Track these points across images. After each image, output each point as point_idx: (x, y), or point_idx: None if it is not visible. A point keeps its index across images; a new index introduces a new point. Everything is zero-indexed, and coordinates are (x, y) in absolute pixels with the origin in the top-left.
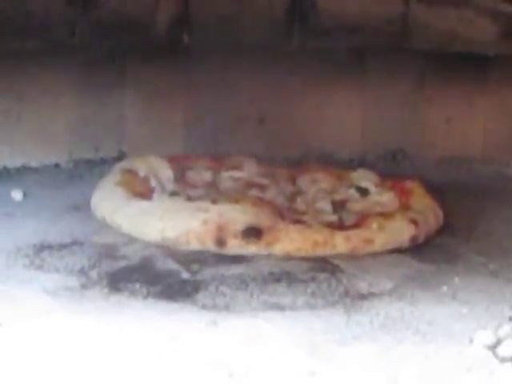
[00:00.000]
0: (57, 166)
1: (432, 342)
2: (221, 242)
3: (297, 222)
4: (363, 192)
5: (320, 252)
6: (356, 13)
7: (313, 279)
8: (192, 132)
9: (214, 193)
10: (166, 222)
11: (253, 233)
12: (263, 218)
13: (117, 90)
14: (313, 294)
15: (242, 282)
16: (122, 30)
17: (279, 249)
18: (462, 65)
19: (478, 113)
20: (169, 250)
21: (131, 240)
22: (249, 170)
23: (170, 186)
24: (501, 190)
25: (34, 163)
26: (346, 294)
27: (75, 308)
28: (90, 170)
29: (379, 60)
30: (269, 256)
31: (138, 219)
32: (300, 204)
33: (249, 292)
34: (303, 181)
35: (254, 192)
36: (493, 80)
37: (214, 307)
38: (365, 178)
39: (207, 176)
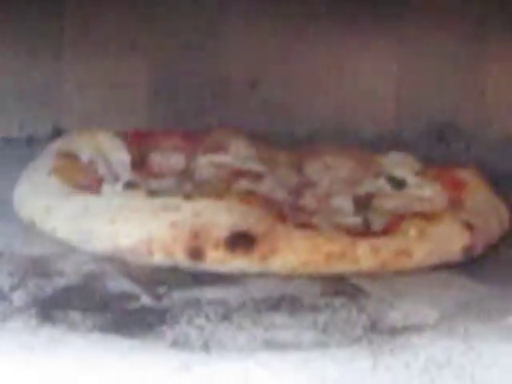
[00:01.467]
0: None
1: None
2: (197, 253)
3: (304, 225)
4: (397, 184)
5: (336, 268)
6: None
7: (326, 306)
8: (158, 99)
9: (188, 184)
10: (119, 226)
11: (241, 241)
12: (256, 221)
13: (50, 44)
14: (325, 327)
15: (227, 311)
16: None
17: (279, 264)
18: None
19: None
20: (123, 265)
21: (70, 251)
22: (236, 153)
23: (126, 175)
24: None
25: None
26: (372, 327)
27: None
28: (11, 153)
29: (423, 1)
30: (264, 274)
31: (79, 222)
32: (308, 200)
33: (235, 324)
34: (313, 168)
35: (244, 183)
36: None
37: (187, 346)
38: (400, 163)
39: (178, 161)
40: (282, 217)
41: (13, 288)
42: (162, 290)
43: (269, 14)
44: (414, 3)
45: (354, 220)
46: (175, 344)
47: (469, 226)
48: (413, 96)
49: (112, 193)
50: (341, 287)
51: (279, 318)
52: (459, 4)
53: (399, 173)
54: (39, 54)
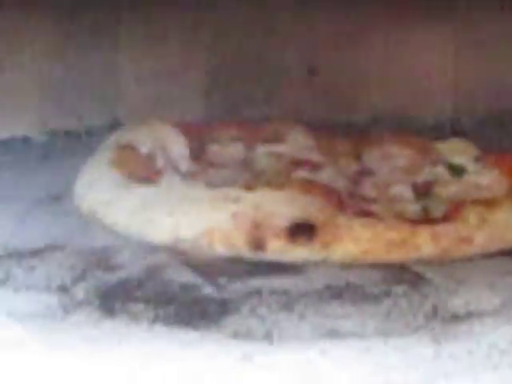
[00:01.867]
0: (26, 139)
1: None
2: (258, 244)
3: (364, 214)
4: (457, 171)
5: (397, 256)
6: None
7: (387, 294)
8: (216, 91)
9: (248, 175)
10: (179, 218)
11: (302, 231)
12: (316, 210)
13: (107, 35)
14: (387, 315)
15: (288, 301)
16: None
17: (340, 252)
18: None
19: None
20: (184, 257)
21: (131, 243)
22: (295, 143)
23: (185, 166)
24: None
25: None
26: (435, 314)
27: (54, 340)
28: (71, 145)
29: None
30: (325, 263)
31: (140, 213)
32: (368, 189)
33: (297, 314)
34: (372, 156)
35: (303, 173)
36: None
37: (249, 336)
38: (459, 151)
39: (237, 151)
40: (342, 206)
41: (74, 281)
42: (223, 280)
43: (324, 1)
44: None
45: (414, 208)
46: (237, 334)
47: None
48: (471, 82)
49: (171, 184)
50: (402, 275)
51: (341, 307)
52: None
53: (458, 160)
54: (96, 44)
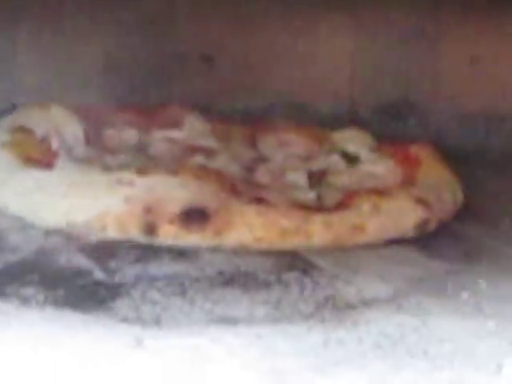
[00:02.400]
0: None
1: (445, 370)
2: (150, 228)
3: (258, 200)
4: (351, 159)
5: (290, 243)
6: None
7: (279, 281)
8: (111, 75)
9: (142, 160)
10: (72, 201)
11: (195, 216)
12: (210, 196)
13: (4, 21)
14: (278, 302)
15: (179, 286)
16: None
17: (232, 239)
18: None
19: None
20: (76, 240)
21: (23, 226)
22: (190, 128)
23: (80, 150)
24: None
25: None
26: (325, 302)
27: None
28: None
29: None
30: (217, 249)
31: (32, 197)
32: (263, 176)
33: (188, 299)
34: (267, 143)
35: (198, 159)
36: None
37: (140, 320)
38: (354, 139)
39: (132, 136)
40: (235, 192)
41: None
42: (115, 264)
43: None
44: None
45: (308, 195)
46: (128, 319)
47: (422, 202)
48: (368, 72)
49: (65, 168)
50: (294, 262)
51: (232, 294)
52: None
53: (353, 149)
54: None
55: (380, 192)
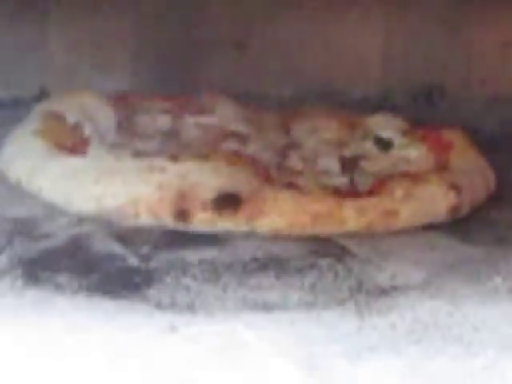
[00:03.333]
0: None
1: (480, 356)
2: (183, 215)
3: (290, 186)
4: (384, 145)
5: (323, 229)
6: None
7: (312, 267)
8: (143, 61)
9: (174, 146)
10: (105, 187)
11: (228, 202)
12: (242, 182)
13: (36, 7)
14: (312, 288)
15: (213, 272)
16: None
17: (265, 224)
18: None
19: None
20: (109, 227)
21: (56, 212)
22: (223, 114)
23: (112, 136)
24: None
25: None
26: (359, 288)
27: None
28: None
29: None
30: (250, 235)
31: (65, 183)
32: (295, 161)
33: (222, 285)
34: (300, 129)
35: (231, 145)
36: None
37: (174, 307)
38: (386, 125)
39: (164, 122)
40: (268, 178)
41: None
42: (148, 251)
43: None
44: None
45: (341, 181)
46: (161, 305)
47: (455, 187)
48: (400, 58)
49: (98, 154)
50: (327, 248)
51: (266, 279)
52: None
53: (386, 134)
54: (25, 14)
55: (413, 177)
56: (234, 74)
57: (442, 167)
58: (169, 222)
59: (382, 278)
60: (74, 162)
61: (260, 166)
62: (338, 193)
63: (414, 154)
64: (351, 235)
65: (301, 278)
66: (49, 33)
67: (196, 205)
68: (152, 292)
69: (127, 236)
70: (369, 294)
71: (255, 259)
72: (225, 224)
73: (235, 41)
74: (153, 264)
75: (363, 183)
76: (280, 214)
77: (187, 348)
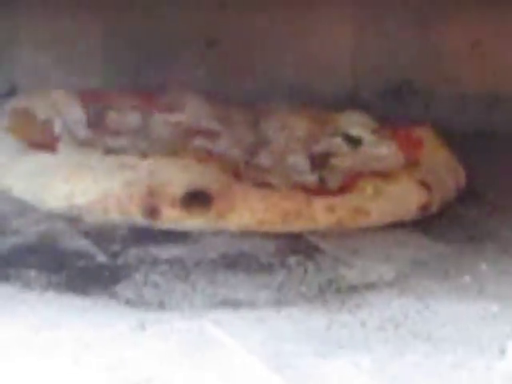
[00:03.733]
0: None
1: (448, 354)
2: (152, 211)
3: (260, 183)
4: (354, 142)
5: (292, 226)
6: None
7: (281, 264)
8: (113, 58)
9: (144, 143)
10: (74, 184)
11: (197, 199)
12: (212, 179)
13: (5, 5)
14: (281, 285)
15: (182, 269)
16: None
17: (235, 222)
18: None
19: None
20: (78, 223)
21: (26, 209)
22: (192, 111)
23: (82, 133)
24: None
25: None
26: (328, 285)
27: None
28: None
29: None
30: (220, 232)
31: (35, 180)
32: (264, 159)
33: (191, 283)
34: (269, 126)
35: (200, 142)
36: None
37: (143, 304)
38: (356, 122)
39: (134, 119)
40: (238, 175)
41: None
42: (117, 248)
43: None
44: None
45: (310, 178)
46: (130, 302)
47: (425, 185)
48: (370, 55)
49: (68, 151)
50: (297, 245)
51: (235, 277)
52: None
53: (355, 131)
54: None
55: (382, 175)
56: (204, 71)
57: (411, 165)
58: (138, 218)
59: (352, 276)
60: (44, 158)
61: (229, 163)
62: (307, 190)
63: (383, 151)
64: (321, 232)
65: (270, 276)
66: (19, 30)
67: (165, 202)
68: (121, 289)
69: (96, 233)
70: (338, 292)
71: (224, 256)
72: (194, 221)
73: (205, 38)
74: (122, 261)
75: (333, 180)
76: (249, 212)
77: (157, 345)
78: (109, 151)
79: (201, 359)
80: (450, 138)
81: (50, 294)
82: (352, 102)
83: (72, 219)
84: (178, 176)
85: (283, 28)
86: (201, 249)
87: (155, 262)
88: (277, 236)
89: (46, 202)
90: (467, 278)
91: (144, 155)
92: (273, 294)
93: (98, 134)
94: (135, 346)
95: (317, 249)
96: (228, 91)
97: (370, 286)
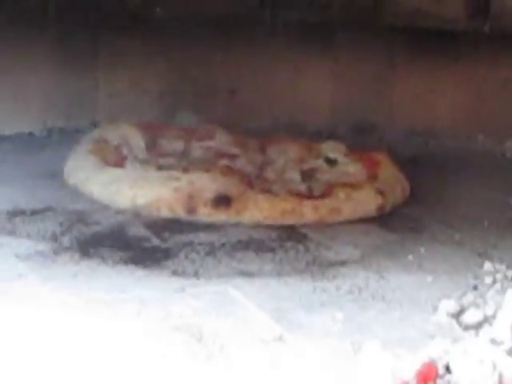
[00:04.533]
0: (30, 134)
1: (397, 310)
2: (191, 209)
3: (266, 190)
4: (331, 163)
5: (288, 220)
6: None
7: (280, 247)
8: (165, 103)
9: (185, 162)
10: (136, 190)
11: (222, 201)
12: (232, 187)
13: (90, 60)
14: (280, 261)
15: (211, 249)
16: (95, 3)
17: (248, 217)
18: (431, 41)
19: (446, 87)
20: (140, 217)
21: (103, 207)
22: (219, 140)
23: (142, 155)
24: (467, 163)
25: (7, 131)
26: (313, 262)
27: (46, 273)
28: (63, 138)
29: (350, 34)
30: (238, 224)
31: (109, 187)
32: (269, 173)
33: (217, 259)
34: (273, 151)
35: (224, 161)
36: (461, 56)
37: (183, 273)
38: (333, 149)
39: (179, 145)
40: (250, 185)
41: (62, 233)
42: (166, 234)
43: (240, 41)
44: (341, 39)
45: (301, 187)
46: (175, 272)
47: (381, 192)
48: (343, 102)
49: (132, 167)
50: (291, 234)
51: (248, 255)
52: (375, 40)
53: (333, 155)
54: (82, 67)
55: (351, 185)
56: (227, 112)
57: (372, 178)
58: (181, 214)
59: (330, 255)
60: (116, 172)
61: (245, 177)
62: (299, 195)
63: (352, 169)
64: (308, 225)
65: (272, 254)
66: (98, 81)
67: (200, 203)
68: (169, 263)
69: (152, 224)
70: (320, 266)
71: (240, 241)
72: (219, 216)
73: (230, 88)
74: (170, 244)
75: (317, 189)
76: (258, 210)
77: (193, 302)
78: (160, 167)
79: (224, 312)
80: (399, 160)
81: (119, 267)
82: (330, 135)
83: (135, 214)
84: (209, 185)
85: (282, 83)
86: (224, 236)
87: (192, 244)
88: (277, 227)
89: (116, 203)
90: (410, 257)
91: (185, 170)
92: (275, 267)
93: (153, 155)
94: (178, 303)
95: (305, 236)
96: (243, 126)
97: (343, 263)
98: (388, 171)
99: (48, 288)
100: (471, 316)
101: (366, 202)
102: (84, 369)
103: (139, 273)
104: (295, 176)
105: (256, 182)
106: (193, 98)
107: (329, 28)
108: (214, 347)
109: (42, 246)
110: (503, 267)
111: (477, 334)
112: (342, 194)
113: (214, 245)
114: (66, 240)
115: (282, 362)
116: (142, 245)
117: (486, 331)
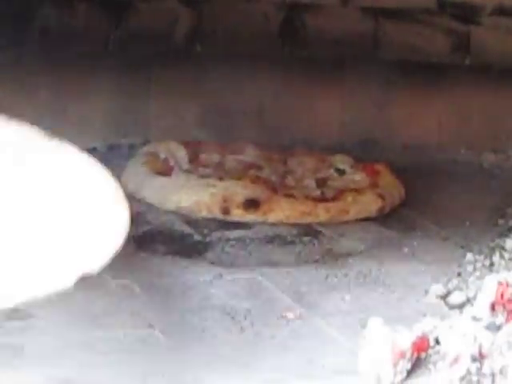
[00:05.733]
0: (94, 149)
1: (395, 293)
2: (226, 211)
3: (287, 195)
4: (341, 172)
5: (306, 220)
6: (337, 29)
7: (300, 241)
8: (204, 124)
9: (221, 172)
10: (181, 195)
11: (252, 204)
12: (260, 192)
13: (144, 90)
14: (299, 253)
15: (243, 244)
16: (148, 40)
17: (273, 217)
18: (421, 71)
19: (434, 110)
20: (184, 217)
21: (153, 209)
22: (249, 154)
23: (186, 166)
24: (452, 172)
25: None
26: (326, 253)
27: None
28: (120, 152)
29: (355, 68)
30: (264, 223)
31: (159, 192)
32: (290, 181)
33: (248, 251)
34: (293, 162)
35: (253, 171)
36: (446, 84)
37: (220, 263)
38: (342, 161)
39: (216, 158)
40: (275, 190)
41: None
42: (205, 231)
43: (265, 74)
44: (347, 71)
45: (316, 192)
46: (214, 262)
47: (381, 196)
48: (350, 122)
49: (177, 176)
50: (308, 231)
51: (273, 248)
52: (375, 71)
53: (342, 166)
54: (133, 93)
55: (357, 190)
56: (255, 131)
57: (373, 185)
58: (218, 215)
59: (340, 248)
60: (164, 180)
61: (271, 184)
62: (314, 199)
63: (357, 177)
64: (322, 224)
65: (293, 247)
66: (150, 106)
67: (233, 205)
68: (208, 255)
69: (194, 223)
70: (332, 257)
71: (266, 236)
72: (250, 216)
73: (257, 111)
74: (209, 239)
75: (329, 194)
76: (281, 211)
77: (228, 287)
78: (200, 176)
79: (253, 295)
80: (396, 170)
81: (168, 258)
82: (340, 149)
83: (180, 215)
84: (240, 191)
85: (300, 104)
86: (253, 232)
87: (227, 239)
88: (297, 225)
89: (165, 205)
90: (405, 250)
91: (221, 179)
92: (295, 258)
93: (194, 166)
94: (216, 288)
95: (319, 233)
96: (268, 143)
97: (350, 254)
98: (387, 179)
99: (110, 275)
100: (456, 298)
101: (369, 204)
102: None
103: (184, 263)
104: (311, 183)
105: (279, 188)
106: (226, 120)
107: (338, 62)
108: (246, 323)
109: None
110: (482, 258)
111: (461, 313)
112: (349, 198)
113: (245, 240)
114: None
115: (301, 335)
116: (185, 240)
117: (468, 310)
